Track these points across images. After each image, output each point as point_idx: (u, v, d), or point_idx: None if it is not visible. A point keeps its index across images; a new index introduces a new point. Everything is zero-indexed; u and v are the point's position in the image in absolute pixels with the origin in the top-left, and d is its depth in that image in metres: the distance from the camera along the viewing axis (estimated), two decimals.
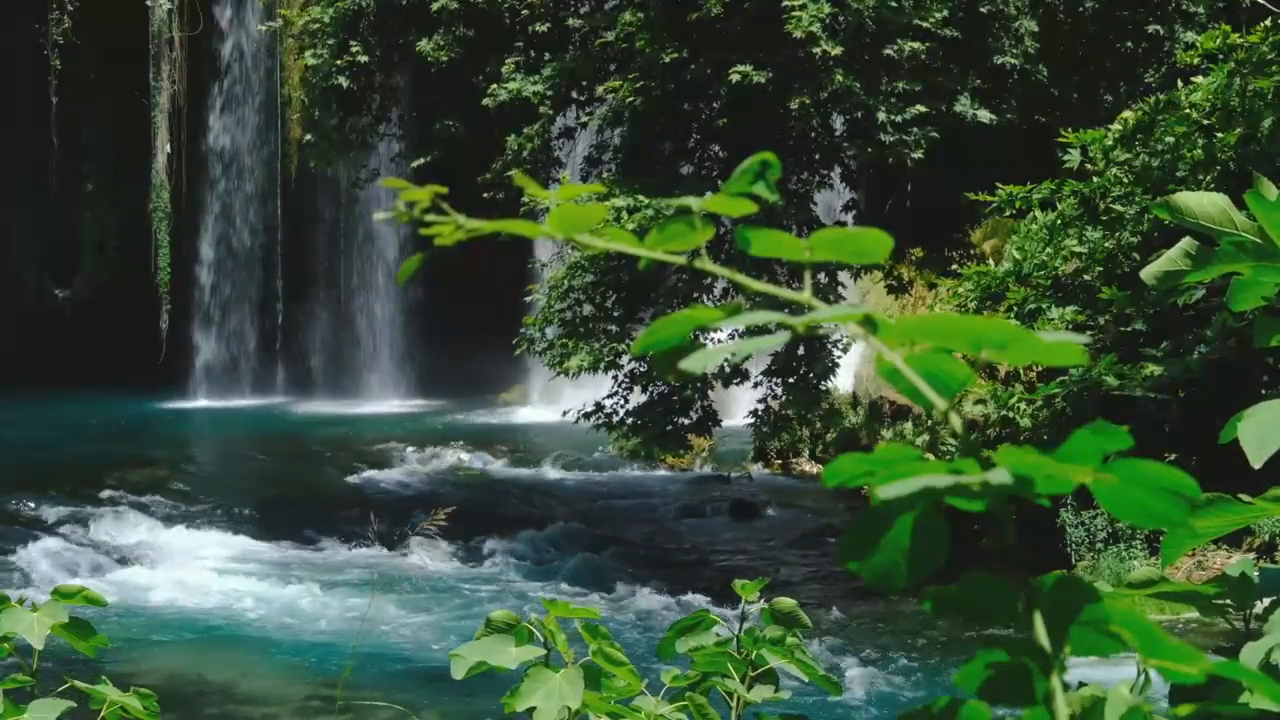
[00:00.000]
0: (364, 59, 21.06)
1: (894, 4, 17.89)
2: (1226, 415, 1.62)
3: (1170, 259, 1.77)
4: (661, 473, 26.11)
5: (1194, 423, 15.36)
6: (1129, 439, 0.97)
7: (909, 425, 23.92)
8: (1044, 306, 16.34)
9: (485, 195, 19.41)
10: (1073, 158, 16.45)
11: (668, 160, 20.30)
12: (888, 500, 0.95)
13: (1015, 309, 16.32)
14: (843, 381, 22.74)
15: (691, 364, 1.03)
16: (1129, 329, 16.31)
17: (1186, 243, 1.76)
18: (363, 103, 22.13)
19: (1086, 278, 16.57)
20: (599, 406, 19.74)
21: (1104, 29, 20.01)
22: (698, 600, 17.27)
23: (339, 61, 21.14)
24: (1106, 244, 16.28)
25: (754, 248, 1.06)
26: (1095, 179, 16.44)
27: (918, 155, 18.24)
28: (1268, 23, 15.48)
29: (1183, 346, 15.99)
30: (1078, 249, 16.38)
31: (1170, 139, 15.93)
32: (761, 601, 2.68)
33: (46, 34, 35.88)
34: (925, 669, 14.66)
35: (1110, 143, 16.34)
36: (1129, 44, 19.90)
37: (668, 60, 18.57)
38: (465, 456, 27.21)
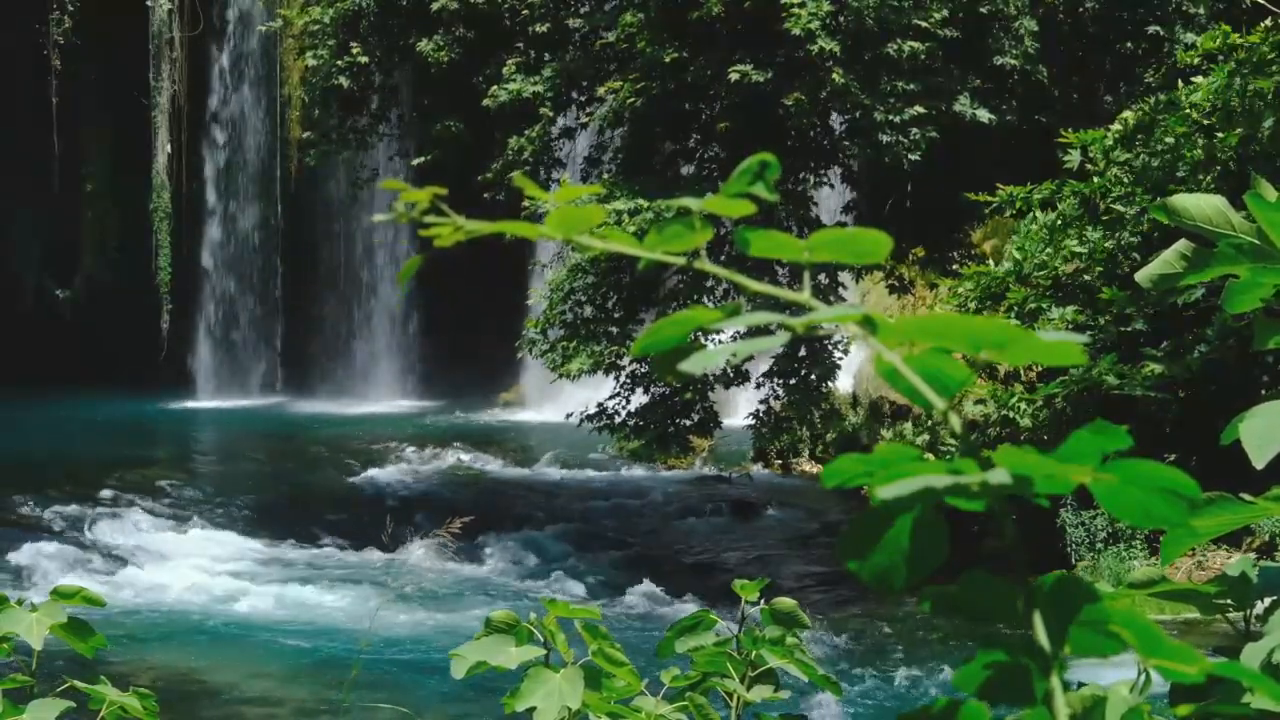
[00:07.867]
0: (364, 59, 21.06)
1: (894, 4, 17.89)
2: (1226, 415, 1.62)
3: (1165, 261, 1.77)
4: (662, 473, 26.10)
5: (1194, 423, 15.36)
6: (1129, 439, 0.97)
7: (909, 425, 23.91)
8: (1044, 306, 16.34)
9: (485, 196, 19.41)
10: (1073, 158, 16.45)
11: (668, 161, 20.30)
12: (887, 500, 0.95)
13: (1015, 309, 16.32)
14: (843, 381, 22.74)
15: (691, 365, 1.03)
16: (1129, 329, 16.30)
17: (1182, 244, 1.75)
18: (363, 103, 22.13)
19: (1086, 278, 16.56)
20: (600, 408, 19.73)
21: (1104, 29, 20.01)
22: (697, 600, 17.26)
23: (339, 62, 21.14)
24: (1106, 244, 16.28)
25: (753, 248, 1.06)
26: (1095, 179, 16.44)
27: (915, 156, 18.23)
28: (1268, 23, 15.47)
29: (1183, 346, 15.98)
30: (1078, 249, 16.38)
31: (1170, 139, 15.92)
32: (761, 602, 2.68)
33: (46, 34, 35.87)
34: (925, 669, 14.66)
35: (1110, 143, 16.33)
36: (1129, 44, 19.90)
37: (668, 60, 18.57)
38: (465, 456, 27.20)
